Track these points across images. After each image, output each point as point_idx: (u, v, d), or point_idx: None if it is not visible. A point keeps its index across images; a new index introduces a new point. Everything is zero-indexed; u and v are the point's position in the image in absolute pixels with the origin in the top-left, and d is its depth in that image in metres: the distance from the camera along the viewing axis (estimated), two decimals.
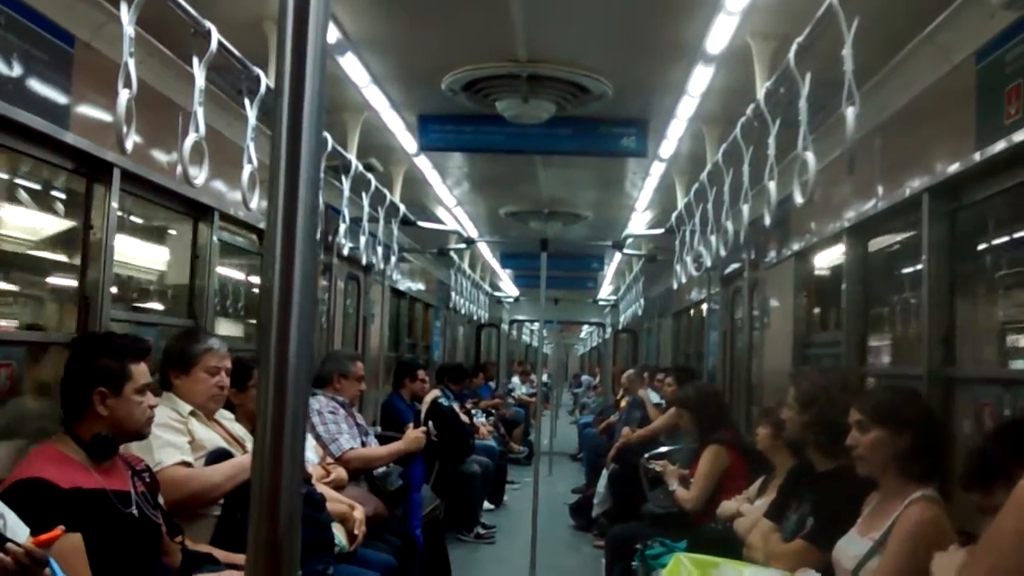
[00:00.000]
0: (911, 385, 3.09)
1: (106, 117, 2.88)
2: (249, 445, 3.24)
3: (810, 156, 2.90)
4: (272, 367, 0.83)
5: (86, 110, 2.88)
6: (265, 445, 0.83)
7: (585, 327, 24.83)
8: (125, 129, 2.43)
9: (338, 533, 3.51)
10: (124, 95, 2.42)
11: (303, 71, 0.85)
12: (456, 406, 7.70)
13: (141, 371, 2.57)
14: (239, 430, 3.38)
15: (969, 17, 2.69)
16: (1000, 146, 2.54)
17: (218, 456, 3.06)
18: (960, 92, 2.80)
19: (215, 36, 2.85)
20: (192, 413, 3.12)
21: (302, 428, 0.85)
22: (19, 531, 1.94)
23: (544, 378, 10.91)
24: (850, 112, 2.53)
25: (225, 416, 3.38)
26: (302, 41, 0.86)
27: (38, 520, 2.00)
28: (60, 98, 2.73)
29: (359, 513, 3.70)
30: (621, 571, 4.61)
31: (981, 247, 3.17)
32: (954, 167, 2.86)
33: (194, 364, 3.18)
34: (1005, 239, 3.07)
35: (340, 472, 4.09)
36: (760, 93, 3.53)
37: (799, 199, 2.98)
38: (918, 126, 3.24)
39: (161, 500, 2.64)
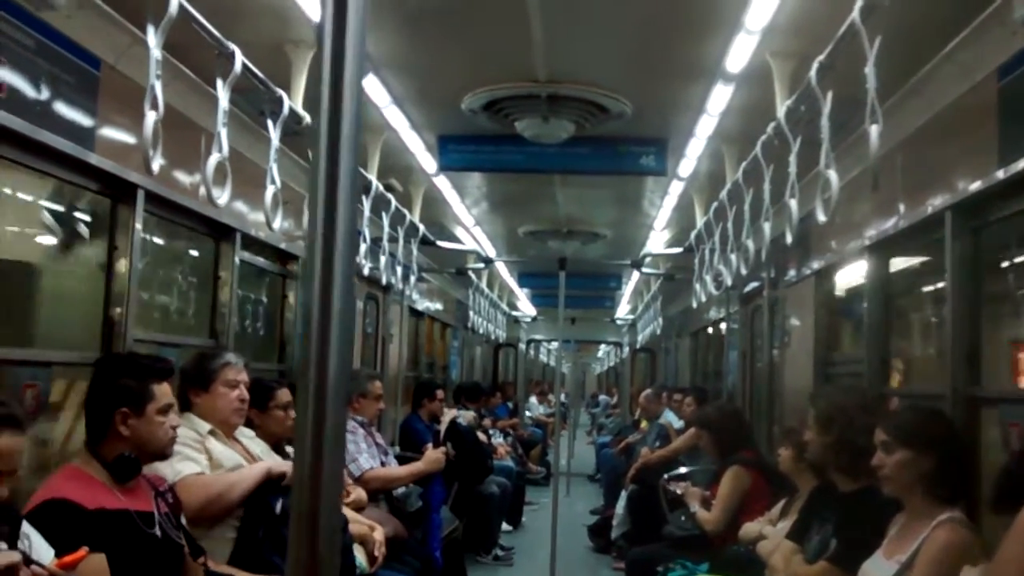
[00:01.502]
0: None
1: (130, 139, 2.92)
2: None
3: (832, 174, 2.89)
4: (312, 387, 0.83)
5: (111, 132, 2.91)
6: (304, 464, 0.83)
7: (603, 346, 24.75)
8: (152, 151, 2.46)
9: (358, 554, 3.50)
10: (151, 117, 2.45)
11: (340, 102, 0.86)
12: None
13: (164, 391, 2.58)
14: (258, 448, 3.37)
15: (991, 34, 2.67)
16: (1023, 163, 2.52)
17: None
18: (982, 109, 2.78)
19: (239, 58, 2.88)
20: (211, 432, 3.12)
21: (341, 447, 0.85)
22: (44, 552, 1.95)
23: (562, 398, 10.86)
24: (873, 130, 2.53)
25: (246, 434, 3.37)
26: (339, 71, 0.86)
27: (62, 541, 2.01)
28: (86, 120, 2.76)
29: (379, 534, 3.69)
30: None
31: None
32: (976, 184, 2.84)
33: (213, 380, 3.18)
34: None
35: (360, 493, 4.08)
36: (780, 111, 3.54)
37: (822, 217, 2.97)
38: (940, 144, 3.22)
39: (184, 521, 2.64)
